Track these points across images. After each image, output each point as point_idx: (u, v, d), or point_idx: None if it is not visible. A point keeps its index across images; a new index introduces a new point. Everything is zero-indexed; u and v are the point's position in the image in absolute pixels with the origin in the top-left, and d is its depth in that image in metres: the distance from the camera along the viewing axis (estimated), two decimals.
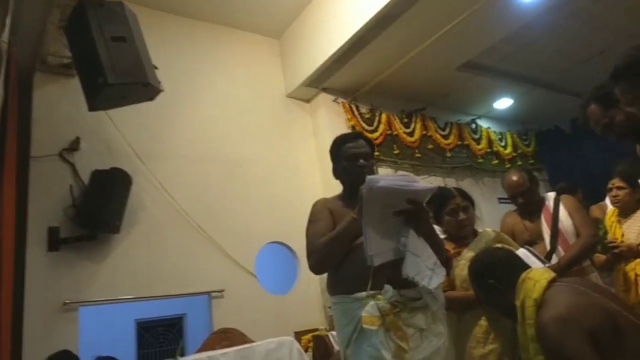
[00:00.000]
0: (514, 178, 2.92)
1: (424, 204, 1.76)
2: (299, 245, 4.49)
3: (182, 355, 5.14)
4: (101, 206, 3.42)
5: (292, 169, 4.85)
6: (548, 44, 5.47)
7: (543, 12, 4.59)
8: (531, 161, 6.90)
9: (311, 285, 4.47)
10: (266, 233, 4.45)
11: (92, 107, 2.86)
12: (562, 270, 2.48)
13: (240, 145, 4.58)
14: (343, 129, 4.91)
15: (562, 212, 2.80)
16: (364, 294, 1.71)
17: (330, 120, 4.99)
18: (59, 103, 3.67)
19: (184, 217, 3.99)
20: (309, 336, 3.87)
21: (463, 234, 2.27)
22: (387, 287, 1.70)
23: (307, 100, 5.24)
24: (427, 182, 5.06)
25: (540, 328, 1.63)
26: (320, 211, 1.99)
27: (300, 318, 4.26)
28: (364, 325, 1.66)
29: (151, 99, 3.05)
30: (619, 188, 3.01)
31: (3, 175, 2.43)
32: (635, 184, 2.98)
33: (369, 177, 1.67)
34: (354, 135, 2.16)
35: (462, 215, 2.25)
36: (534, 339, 1.66)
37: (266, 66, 5.12)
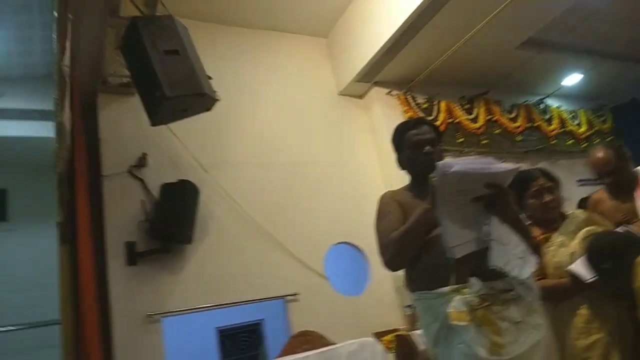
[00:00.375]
0: (599, 155, 2.65)
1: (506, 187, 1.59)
2: (367, 244, 4.39)
3: None
4: (173, 218, 3.49)
5: (351, 168, 4.76)
6: (612, 13, 5.04)
7: None
8: (609, 138, 6.38)
9: (385, 285, 4.35)
10: (333, 234, 4.39)
11: (154, 122, 2.93)
12: None
13: (298, 148, 4.57)
14: (400, 122, 4.74)
15: None
16: (447, 288, 1.58)
17: (385, 114, 4.84)
18: (123, 122, 3.80)
19: (252, 223, 4.01)
20: (389, 337, 3.71)
21: (550, 217, 2.08)
22: (474, 279, 1.56)
23: (360, 96, 5.11)
24: None
25: None
26: (388, 204, 1.86)
27: (377, 319, 4.14)
28: (452, 322, 1.53)
29: (208, 109, 3.08)
30: None
31: (76, 195, 2.55)
32: None
33: (440, 163, 1.53)
34: (416, 122, 2.02)
35: (547, 197, 2.05)
36: None
37: (316, 66, 5.07)
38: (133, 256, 3.48)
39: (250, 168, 4.25)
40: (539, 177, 2.11)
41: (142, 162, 3.72)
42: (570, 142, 5.96)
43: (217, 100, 3.00)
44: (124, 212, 3.58)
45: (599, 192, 2.85)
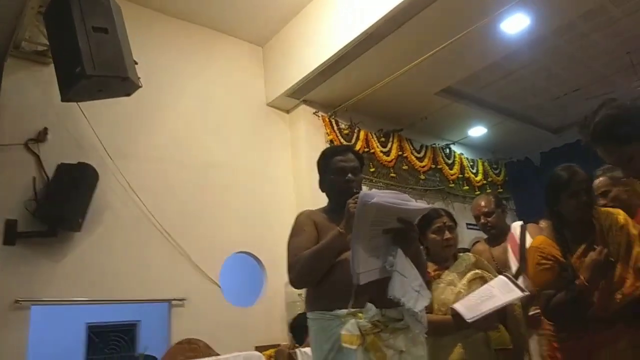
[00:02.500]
0: (482, 198, 3.08)
1: (414, 224, 1.72)
2: (267, 256, 4.40)
3: None
4: (64, 202, 3.27)
5: (266, 180, 4.76)
6: (525, 78, 5.64)
7: (524, 46, 4.72)
8: (500, 190, 7.05)
9: (275, 299, 4.37)
10: (234, 242, 4.34)
11: (66, 98, 2.74)
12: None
13: (215, 151, 4.48)
14: (321, 142, 4.89)
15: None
16: (344, 311, 1.65)
17: (308, 133, 4.96)
18: (28, 91, 3.52)
19: (150, 220, 3.84)
20: (270, 351, 3.74)
21: (446, 254, 2.24)
22: (370, 305, 1.64)
23: (287, 111, 5.20)
24: None
25: None
26: (304, 223, 1.91)
27: (262, 332, 4.15)
28: (343, 344, 1.59)
29: (128, 94, 2.97)
30: None
31: None
32: None
33: (362, 193, 1.61)
34: (344, 149, 2.08)
35: (447, 235, 2.22)
36: None
37: (248, 73, 5.06)
38: (12, 235, 3.22)
39: (159, 163, 4.09)
40: (442, 215, 2.28)
41: (41, 136, 3.45)
42: (466, 188, 6.50)
43: (139, 86, 2.89)
44: (10, 186, 3.30)
45: (480, 244, 3.14)
